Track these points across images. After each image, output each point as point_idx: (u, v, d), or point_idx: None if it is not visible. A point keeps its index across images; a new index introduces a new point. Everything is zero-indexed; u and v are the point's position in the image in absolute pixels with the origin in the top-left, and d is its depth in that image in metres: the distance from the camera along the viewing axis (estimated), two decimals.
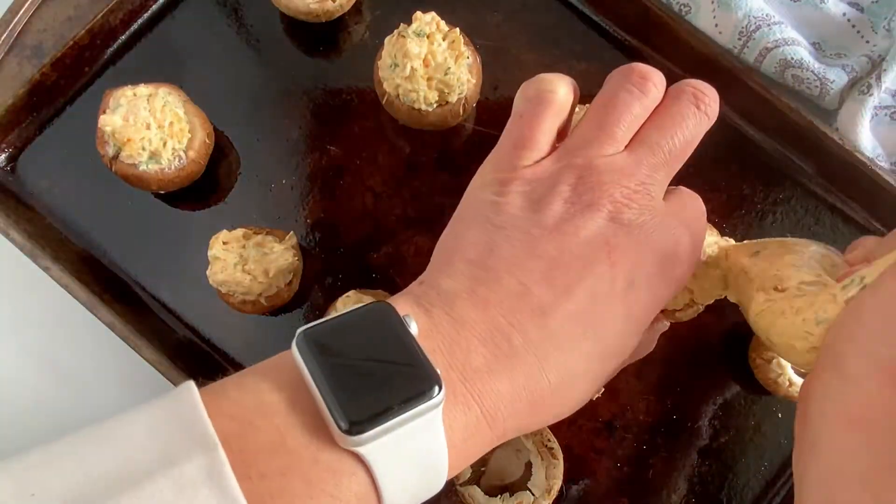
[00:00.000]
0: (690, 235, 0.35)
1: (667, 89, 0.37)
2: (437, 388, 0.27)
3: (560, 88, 0.37)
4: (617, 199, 0.33)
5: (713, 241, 0.46)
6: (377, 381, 0.27)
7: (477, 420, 0.30)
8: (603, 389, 0.50)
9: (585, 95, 0.55)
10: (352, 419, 0.26)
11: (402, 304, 0.32)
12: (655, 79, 0.36)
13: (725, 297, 0.46)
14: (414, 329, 0.29)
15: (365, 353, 0.28)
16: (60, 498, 0.23)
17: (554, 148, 0.36)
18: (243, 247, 0.46)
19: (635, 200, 0.33)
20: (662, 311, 0.48)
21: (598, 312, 0.32)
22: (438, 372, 0.28)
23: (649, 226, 0.33)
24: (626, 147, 0.35)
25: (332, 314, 0.45)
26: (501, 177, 0.35)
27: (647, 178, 0.34)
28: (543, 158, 0.35)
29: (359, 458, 0.26)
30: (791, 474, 0.50)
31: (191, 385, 0.27)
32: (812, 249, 0.35)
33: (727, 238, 0.46)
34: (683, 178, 0.53)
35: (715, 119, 0.36)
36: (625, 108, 0.35)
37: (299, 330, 0.29)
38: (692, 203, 0.38)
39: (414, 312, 0.31)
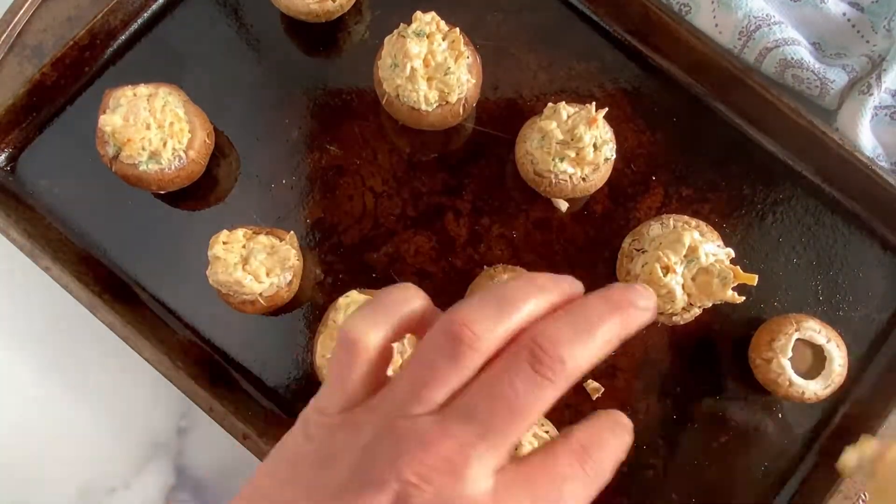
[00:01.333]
0: None
1: (518, 337, 0.29)
2: None
3: (368, 338, 0.30)
4: (406, 478, 0.26)
5: (714, 248, 0.46)
6: None
7: None
8: (602, 389, 0.50)
9: (586, 95, 0.55)
10: None
11: None
12: (476, 339, 0.28)
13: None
14: None
15: None
16: None
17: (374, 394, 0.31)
18: (244, 246, 0.46)
19: (433, 481, 0.26)
20: (660, 314, 0.48)
21: None
22: None
23: None
24: (441, 408, 0.28)
25: (332, 314, 0.45)
26: (314, 418, 0.31)
27: (457, 452, 0.26)
28: (356, 406, 0.30)
29: None
30: (791, 474, 0.50)
31: None
32: None
33: (728, 250, 0.46)
34: (683, 178, 0.54)
35: (563, 387, 0.27)
36: (436, 370, 0.28)
37: None
38: (539, 482, 0.28)
39: None
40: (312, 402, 0.31)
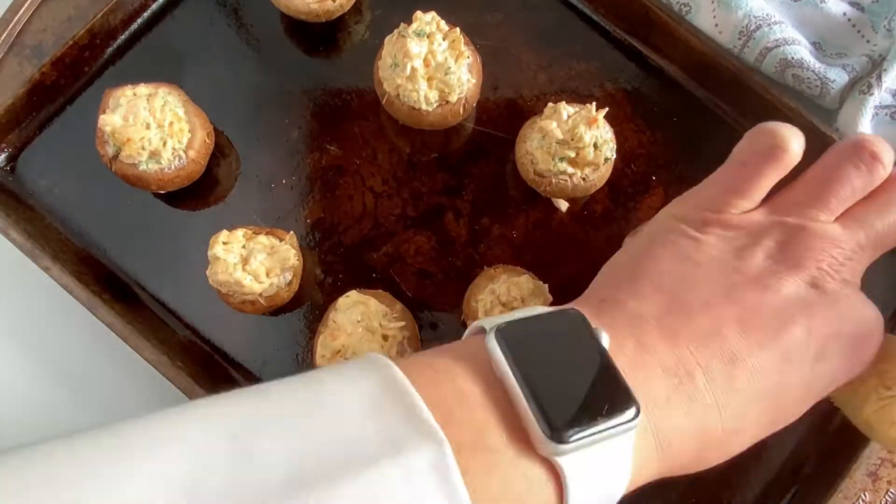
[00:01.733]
0: (881, 323, 0.34)
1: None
2: (635, 408, 0.26)
3: (794, 146, 0.35)
4: (823, 268, 0.32)
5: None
6: (576, 391, 0.27)
7: (649, 449, 0.29)
8: None
9: (586, 95, 0.55)
10: (555, 425, 0.25)
11: (586, 315, 0.31)
12: (886, 160, 0.34)
13: None
14: (605, 343, 0.29)
15: (560, 359, 0.28)
16: (284, 470, 0.22)
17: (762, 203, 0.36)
18: (244, 246, 0.46)
19: (840, 273, 0.32)
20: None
21: (784, 374, 0.31)
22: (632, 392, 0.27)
23: (850, 301, 0.33)
24: (836, 219, 0.34)
25: (332, 314, 0.45)
26: (705, 216, 0.34)
27: (854, 254, 0.33)
28: (751, 210, 0.35)
29: (550, 469, 0.26)
30: (792, 476, 0.50)
31: (390, 362, 0.26)
32: None
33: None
34: (683, 178, 0.54)
35: None
36: (847, 181, 0.34)
37: (493, 324, 0.28)
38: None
39: (599, 327, 0.30)
40: (687, 202, 0.36)
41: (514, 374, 0.26)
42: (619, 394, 0.27)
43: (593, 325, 0.29)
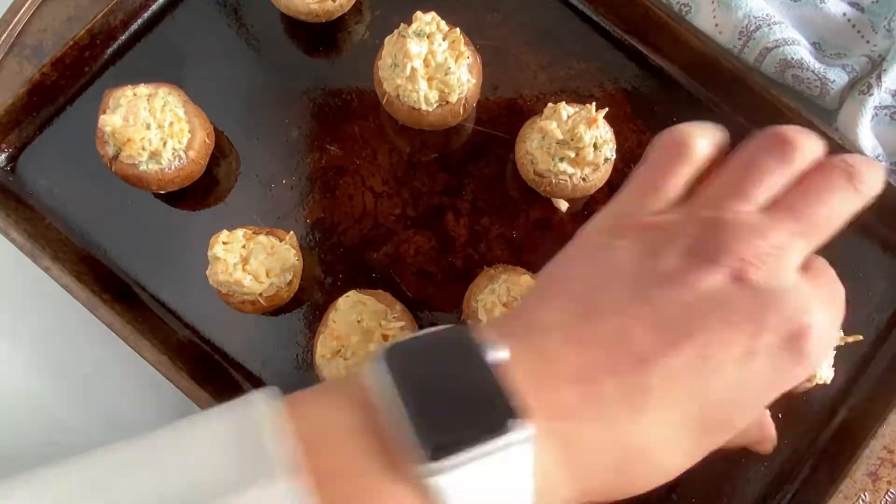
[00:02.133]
0: (826, 316, 0.31)
1: (821, 160, 0.34)
2: (523, 423, 0.25)
3: (695, 141, 0.33)
4: (746, 259, 0.29)
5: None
6: (458, 410, 0.26)
7: (557, 467, 0.27)
8: None
9: (586, 95, 0.55)
10: (435, 446, 0.24)
11: (486, 330, 0.30)
12: (801, 145, 0.32)
13: None
14: (496, 358, 0.27)
15: (443, 379, 0.27)
16: None
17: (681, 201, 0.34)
18: (244, 246, 0.46)
19: (767, 264, 0.29)
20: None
21: (704, 375, 0.29)
22: (523, 406, 0.25)
23: (779, 294, 0.29)
24: (765, 210, 0.32)
25: (332, 314, 0.45)
26: (619, 222, 0.33)
27: (785, 242, 0.30)
28: (668, 209, 0.33)
29: (429, 495, 0.25)
30: (792, 476, 0.50)
31: (259, 400, 0.27)
32: None
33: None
34: None
35: (870, 198, 0.33)
36: (764, 169, 0.32)
37: (378, 350, 0.28)
38: (831, 284, 0.32)
39: (497, 340, 0.28)
40: (603, 213, 0.34)
41: (390, 399, 0.26)
42: (506, 410, 0.25)
43: (493, 340, 0.28)
